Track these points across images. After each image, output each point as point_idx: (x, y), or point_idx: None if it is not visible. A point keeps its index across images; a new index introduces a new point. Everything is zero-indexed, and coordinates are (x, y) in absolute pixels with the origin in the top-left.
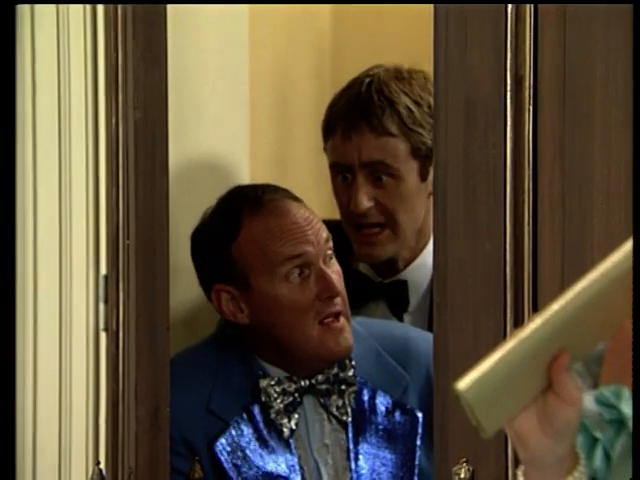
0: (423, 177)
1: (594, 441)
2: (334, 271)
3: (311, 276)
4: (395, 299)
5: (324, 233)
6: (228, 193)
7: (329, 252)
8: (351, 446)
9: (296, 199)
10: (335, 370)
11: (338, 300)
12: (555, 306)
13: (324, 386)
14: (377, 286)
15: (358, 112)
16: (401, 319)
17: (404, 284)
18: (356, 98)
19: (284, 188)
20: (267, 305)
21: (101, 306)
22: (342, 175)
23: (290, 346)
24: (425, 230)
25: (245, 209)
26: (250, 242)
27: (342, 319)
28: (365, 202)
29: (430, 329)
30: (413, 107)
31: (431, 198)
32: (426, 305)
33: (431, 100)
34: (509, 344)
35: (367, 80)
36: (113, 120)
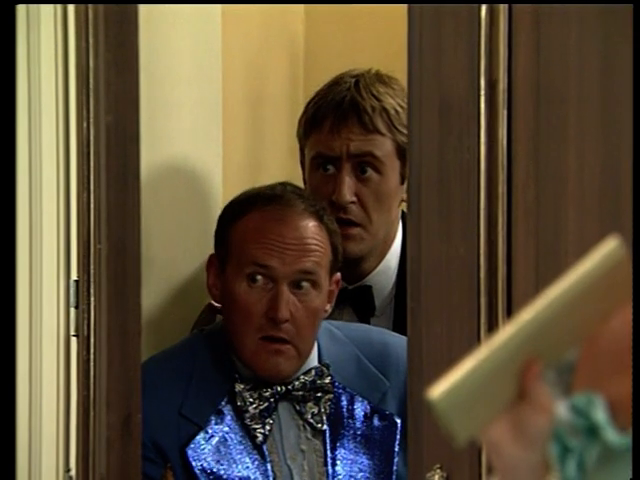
0: (402, 179)
1: (567, 450)
2: (302, 300)
3: (271, 291)
4: (361, 304)
5: (309, 264)
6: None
7: (304, 282)
8: (328, 451)
9: (316, 215)
10: (312, 377)
11: (285, 327)
12: (528, 312)
13: (300, 392)
14: (342, 293)
15: (349, 107)
16: (368, 324)
17: (369, 289)
18: (346, 94)
19: (316, 201)
20: (228, 296)
21: (72, 311)
22: (324, 167)
23: (236, 347)
24: (391, 235)
25: (260, 200)
26: (241, 232)
27: (287, 347)
28: (348, 195)
29: (396, 332)
30: (399, 108)
31: (402, 205)
32: (391, 309)
33: None
34: (482, 352)
35: (353, 80)
36: (84, 124)
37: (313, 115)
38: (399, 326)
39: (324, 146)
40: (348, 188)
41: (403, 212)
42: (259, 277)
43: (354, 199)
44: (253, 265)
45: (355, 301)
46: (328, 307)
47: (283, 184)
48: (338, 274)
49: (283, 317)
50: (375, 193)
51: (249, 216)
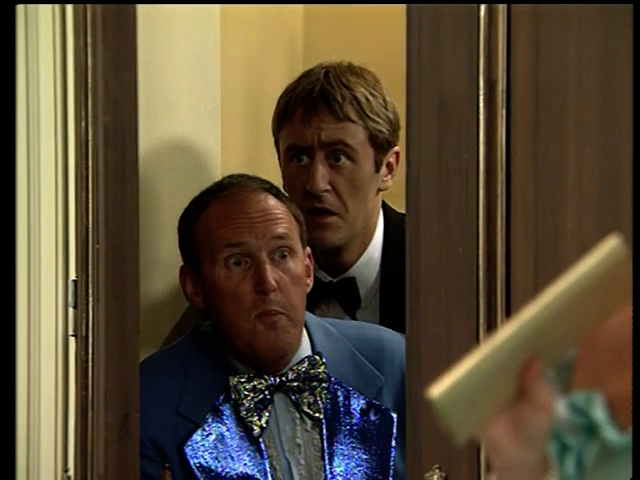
0: (377, 167)
1: (565, 448)
2: (284, 269)
3: (251, 268)
4: (346, 297)
5: (280, 229)
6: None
7: (282, 249)
8: (325, 446)
9: (270, 192)
10: (305, 367)
11: (274, 297)
12: (528, 312)
13: (295, 383)
14: (327, 286)
15: (319, 97)
16: (354, 316)
17: (353, 281)
18: (315, 84)
19: (266, 181)
20: (211, 290)
21: (70, 311)
22: (297, 158)
23: (232, 337)
24: (371, 225)
25: (213, 194)
26: (205, 225)
27: (280, 316)
28: (322, 184)
29: (383, 324)
30: (370, 97)
31: (380, 195)
32: (376, 300)
33: (385, 94)
34: (482, 351)
35: (323, 71)
36: (83, 123)
37: (284, 107)
38: (386, 318)
39: (296, 136)
40: (322, 176)
41: (384, 203)
42: (237, 258)
43: (328, 187)
44: (228, 248)
45: (340, 294)
46: (309, 281)
47: (230, 176)
48: (308, 248)
49: (271, 286)
50: (350, 181)
51: (208, 209)
